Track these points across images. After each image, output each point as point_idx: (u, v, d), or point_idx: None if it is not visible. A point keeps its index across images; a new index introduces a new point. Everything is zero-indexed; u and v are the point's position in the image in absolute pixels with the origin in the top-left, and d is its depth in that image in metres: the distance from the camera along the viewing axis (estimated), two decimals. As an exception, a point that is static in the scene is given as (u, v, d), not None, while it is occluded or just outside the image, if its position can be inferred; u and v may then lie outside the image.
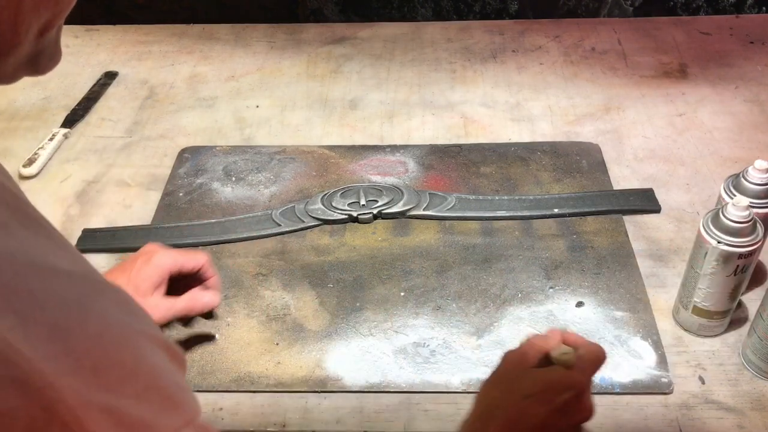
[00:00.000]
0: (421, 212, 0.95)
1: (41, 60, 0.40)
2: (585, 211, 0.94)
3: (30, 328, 0.30)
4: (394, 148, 1.08)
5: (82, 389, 0.31)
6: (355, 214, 0.94)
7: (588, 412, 0.57)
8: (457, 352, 0.77)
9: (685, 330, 0.79)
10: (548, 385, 0.56)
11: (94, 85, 1.27)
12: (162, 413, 0.36)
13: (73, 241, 0.93)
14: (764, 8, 1.47)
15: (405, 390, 0.74)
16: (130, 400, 0.34)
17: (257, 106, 1.21)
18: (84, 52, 1.38)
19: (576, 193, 0.97)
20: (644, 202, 0.96)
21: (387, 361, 0.77)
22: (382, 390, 0.74)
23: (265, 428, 0.72)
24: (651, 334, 0.78)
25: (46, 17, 0.37)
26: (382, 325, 0.81)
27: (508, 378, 0.58)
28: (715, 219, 0.71)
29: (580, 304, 0.82)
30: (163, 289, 0.75)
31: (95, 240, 0.93)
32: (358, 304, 0.83)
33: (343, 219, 0.94)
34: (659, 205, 0.95)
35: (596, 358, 0.59)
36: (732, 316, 0.78)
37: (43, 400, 0.30)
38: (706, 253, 0.71)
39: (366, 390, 0.74)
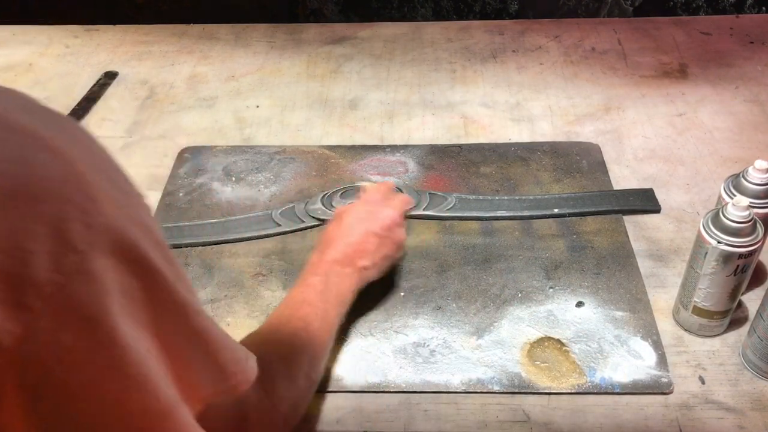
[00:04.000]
0: (421, 212, 0.95)
1: None
2: (585, 211, 0.94)
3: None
4: (394, 148, 1.08)
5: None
6: (355, 214, 0.94)
7: (393, 215, 0.80)
8: (457, 352, 0.77)
9: (685, 330, 0.79)
10: (357, 208, 0.80)
11: (94, 85, 1.27)
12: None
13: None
14: (764, 8, 1.47)
15: (405, 390, 0.74)
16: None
17: (257, 106, 1.21)
18: (84, 52, 1.38)
19: (576, 193, 0.97)
20: (644, 202, 0.96)
21: (387, 361, 0.77)
22: (382, 390, 0.74)
23: (265, 428, 0.72)
24: (651, 334, 0.78)
25: None
26: (382, 325, 0.81)
27: (334, 219, 0.80)
28: (715, 219, 0.71)
29: (580, 304, 0.82)
30: None
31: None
32: (358, 304, 0.83)
33: None
34: (659, 205, 0.95)
35: (377, 185, 0.87)
36: (732, 316, 0.78)
37: None
38: (706, 253, 0.71)
39: (366, 390, 0.74)
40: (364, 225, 0.78)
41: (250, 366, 0.49)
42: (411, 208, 0.89)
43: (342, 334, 0.80)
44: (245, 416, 0.54)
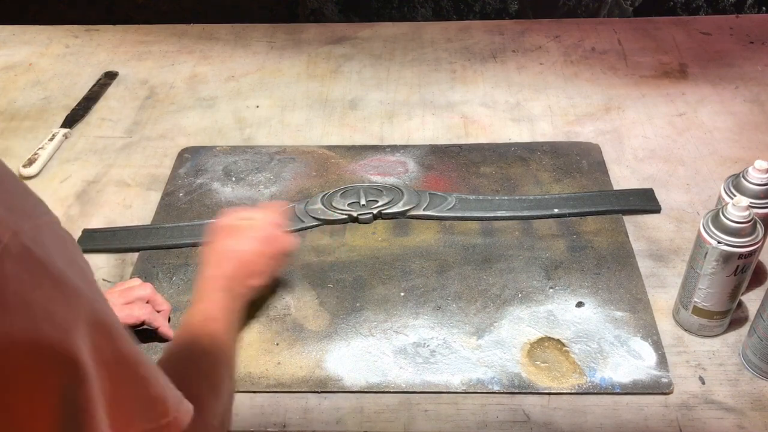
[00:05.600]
0: (421, 212, 0.95)
1: None
2: (585, 211, 0.94)
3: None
4: (394, 148, 1.08)
5: None
6: (355, 214, 0.94)
7: (288, 240, 0.81)
8: (457, 352, 0.77)
9: (685, 330, 0.79)
10: (254, 227, 0.79)
11: (94, 85, 1.27)
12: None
13: (73, 241, 0.93)
14: (764, 8, 1.47)
15: (405, 390, 0.74)
16: None
17: (257, 106, 1.21)
18: (84, 52, 1.38)
19: (576, 193, 0.97)
20: (644, 202, 0.96)
21: (387, 361, 0.77)
22: (382, 390, 0.74)
23: (265, 428, 0.72)
24: (651, 334, 0.78)
25: None
26: (382, 326, 0.81)
27: (223, 235, 0.78)
28: (715, 219, 0.71)
29: (580, 304, 0.82)
30: None
31: (95, 240, 0.93)
32: (358, 305, 0.83)
33: (343, 219, 0.94)
34: (659, 205, 0.95)
35: (272, 206, 0.86)
36: (732, 316, 0.78)
37: None
38: (706, 253, 0.71)
39: (366, 390, 0.74)
40: (260, 246, 0.78)
41: (184, 407, 0.49)
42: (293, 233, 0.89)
43: (342, 335, 0.80)
44: None
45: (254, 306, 0.82)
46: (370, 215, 0.94)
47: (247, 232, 0.78)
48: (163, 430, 0.47)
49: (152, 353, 0.78)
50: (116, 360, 0.43)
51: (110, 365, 0.42)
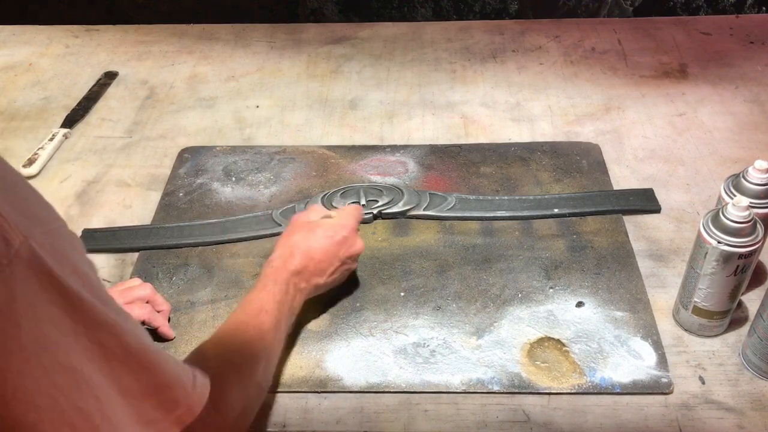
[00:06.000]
0: (421, 212, 0.95)
1: None
2: (585, 211, 0.94)
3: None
4: (394, 148, 1.08)
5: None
6: (355, 213, 0.94)
7: (359, 245, 0.81)
8: (457, 352, 0.77)
9: (685, 330, 0.79)
10: (330, 226, 0.80)
11: (94, 85, 1.28)
12: None
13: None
14: (764, 8, 1.47)
15: (405, 390, 0.74)
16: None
17: (257, 106, 1.21)
18: (84, 52, 1.38)
19: (576, 193, 0.97)
20: (644, 202, 0.96)
21: (387, 361, 0.77)
22: (382, 390, 0.74)
23: (265, 428, 0.72)
24: (651, 334, 0.78)
25: None
26: (382, 326, 0.81)
27: (300, 229, 0.79)
28: (715, 219, 0.71)
29: (580, 304, 0.82)
30: None
31: (95, 240, 0.93)
32: (358, 305, 0.83)
33: None
34: (659, 205, 0.95)
35: (351, 210, 0.85)
36: (732, 316, 0.78)
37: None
38: (706, 253, 0.71)
39: (366, 390, 0.74)
40: (332, 245, 0.78)
41: (198, 391, 0.50)
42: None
43: (342, 335, 0.80)
44: (190, 426, 0.53)
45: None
46: (371, 215, 0.94)
47: (322, 230, 0.79)
48: (177, 420, 0.48)
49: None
50: (126, 354, 0.44)
51: (121, 360, 0.43)
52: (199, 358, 0.62)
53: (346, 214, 0.84)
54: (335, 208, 0.95)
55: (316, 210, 0.85)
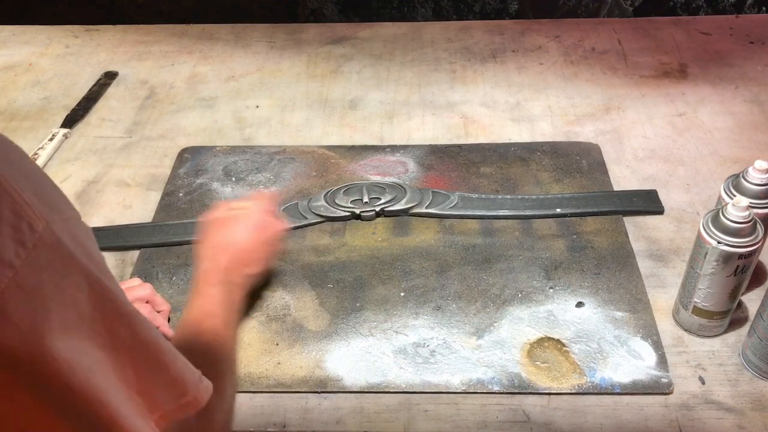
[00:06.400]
0: (423, 210, 0.95)
1: None
2: (588, 211, 0.94)
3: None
4: (394, 148, 1.08)
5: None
6: (357, 211, 0.94)
7: (278, 224, 0.82)
8: (457, 352, 0.77)
9: (685, 330, 0.79)
10: (244, 216, 0.79)
11: (94, 85, 1.28)
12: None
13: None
14: (764, 8, 1.47)
15: (405, 390, 0.74)
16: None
17: (257, 106, 1.21)
18: (84, 52, 1.38)
19: (580, 194, 0.97)
20: (647, 203, 0.96)
21: (387, 361, 0.77)
22: (382, 390, 0.74)
23: (265, 428, 0.72)
24: (651, 334, 0.78)
25: None
26: (382, 326, 0.81)
27: (215, 228, 0.79)
28: (715, 219, 0.71)
29: (580, 305, 0.82)
30: None
31: (97, 238, 0.93)
32: (358, 305, 0.83)
33: (345, 216, 0.94)
34: (662, 207, 0.95)
35: (259, 195, 0.86)
36: (732, 316, 0.78)
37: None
38: (706, 254, 0.71)
39: (366, 390, 0.74)
40: (252, 234, 0.78)
41: (204, 384, 0.50)
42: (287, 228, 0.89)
43: (342, 335, 0.80)
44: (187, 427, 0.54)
45: (253, 303, 0.82)
46: (373, 212, 0.94)
47: (239, 221, 0.79)
48: (183, 410, 0.48)
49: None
50: (135, 345, 0.44)
51: (130, 351, 0.44)
52: None
53: (256, 200, 0.83)
54: (339, 206, 0.95)
55: (221, 206, 0.83)
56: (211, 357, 0.64)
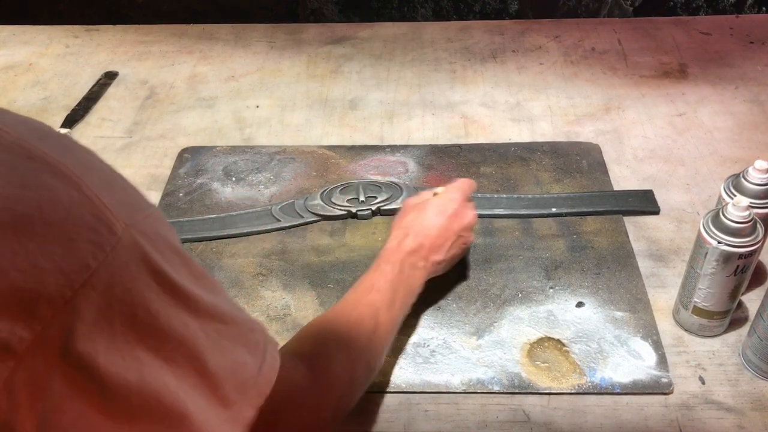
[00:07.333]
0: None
1: None
2: (584, 211, 0.94)
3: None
4: (394, 149, 1.08)
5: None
6: (354, 210, 0.94)
7: (472, 216, 0.81)
8: (457, 352, 0.77)
9: (685, 330, 0.79)
10: (440, 202, 0.80)
11: (94, 85, 1.28)
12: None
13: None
14: (764, 8, 1.47)
15: (405, 390, 0.74)
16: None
17: (257, 106, 1.21)
18: (84, 52, 1.38)
19: (576, 193, 0.97)
20: (644, 203, 0.96)
21: (387, 361, 0.77)
22: (382, 390, 0.74)
23: (265, 428, 0.72)
24: (651, 334, 0.78)
25: None
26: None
27: (411, 210, 0.80)
28: (715, 219, 0.71)
29: (580, 305, 0.82)
30: None
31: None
32: (358, 304, 0.83)
33: (342, 215, 0.94)
34: (658, 207, 0.95)
35: (459, 183, 0.84)
36: (732, 316, 0.78)
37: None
38: (706, 254, 0.71)
39: (366, 390, 0.74)
40: (445, 220, 0.78)
41: (263, 376, 0.50)
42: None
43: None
44: (289, 395, 0.54)
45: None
46: (369, 211, 0.94)
47: (432, 207, 0.79)
48: (252, 403, 0.49)
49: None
50: (205, 339, 0.45)
51: (200, 345, 0.44)
52: (304, 334, 0.64)
53: (454, 187, 0.83)
54: (335, 204, 0.95)
55: (424, 193, 0.84)
56: (360, 329, 0.65)
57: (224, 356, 0.46)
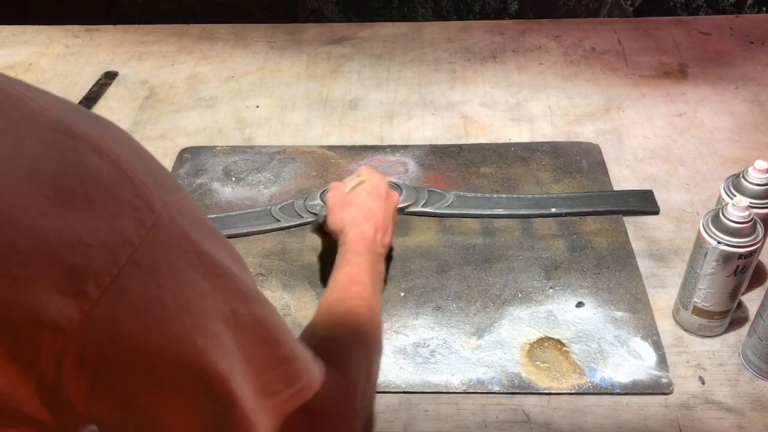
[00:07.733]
0: (419, 209, 0.95)
1: None
2: (584, 211, 0.94)
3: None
4: (394, 149, 1.08)
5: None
6: (353, 210, 0.94)
7: (396, 195, 0.85)
8: (457, 352, 0.77)
9: (685, 330, 0.79)
10: (371, 187, 0.82)
11: (94, 85, 1.28)
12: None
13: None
14: (764, 8, 1.47)
15: (405, 390, 0.74)
16: None
17: (257, 106, 1.21)
18: (84, 52, 1.38)
19: (575, 193, 0.97)
20: (643, 203, 0.96)
21: (387, 361, 0.77)
22: (382, 390, 0.74)
23: (265, 428, 0.71)
24: (651, 334, 0.78)
25: None
26: (382, 326, 0.80)
27: (349, 201, 0.80)
28: (715, 219, 0.71)
29: (580, 305, 0.82)
30: None
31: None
32: (358, 305, 0.83)
33: None
34: (658, 207, 0.95)
35: (369, 168, 0.86)
36: (732, 316, 0.78)
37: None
38: (706, 254, 0.71)
39: (366, 390, 0.74)
40: (383, 203, 0.80)
41: (316, 368, 0.51)
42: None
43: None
44: (323, 395, 0.54)
45: None
46: None
47: (368, 193, 0.81)
48: (297, 394, 0.49)
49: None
50: (254, 323, 0.45)
51: (249, 329, 0.45)
52: (311, 334, 0.63)
53: (369, 171, 0.85)
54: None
55: (339, 186, 0.84)
56: (358, 318, 0.66)
57: (276, 342, 0.47)
